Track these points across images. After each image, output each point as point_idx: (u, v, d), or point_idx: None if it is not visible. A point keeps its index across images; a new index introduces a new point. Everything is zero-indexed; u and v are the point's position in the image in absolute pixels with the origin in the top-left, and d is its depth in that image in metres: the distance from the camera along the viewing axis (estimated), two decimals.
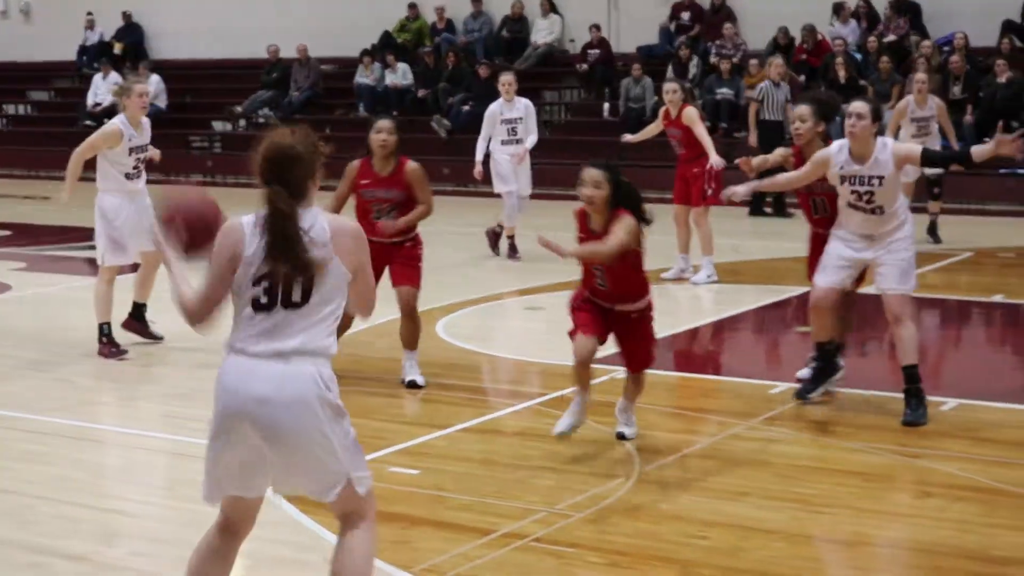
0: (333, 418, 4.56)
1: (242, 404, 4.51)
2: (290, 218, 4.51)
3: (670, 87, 13.35)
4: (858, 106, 8.03)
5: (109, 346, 10.11)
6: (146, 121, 10.18)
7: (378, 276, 8.92)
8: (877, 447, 7.61)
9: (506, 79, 14.95)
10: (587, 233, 7.27)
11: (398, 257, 9.03)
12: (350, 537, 4.71)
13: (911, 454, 7.49)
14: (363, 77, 25.54)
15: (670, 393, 9.30)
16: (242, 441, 4.56)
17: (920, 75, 15.81)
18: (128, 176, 10.10)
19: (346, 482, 4.59)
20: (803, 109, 8.62)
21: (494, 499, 6.76)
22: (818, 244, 8.72)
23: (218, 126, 27.54)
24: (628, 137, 14.70)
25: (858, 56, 21.90)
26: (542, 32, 25.41)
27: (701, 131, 13.11)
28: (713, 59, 22.86)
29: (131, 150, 10.03)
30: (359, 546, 4.70)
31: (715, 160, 12.97)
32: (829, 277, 8.24)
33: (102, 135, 10.01)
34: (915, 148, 8.41)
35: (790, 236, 9.15)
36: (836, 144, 8.18)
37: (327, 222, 4.59)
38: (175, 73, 27.48)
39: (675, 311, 12.06)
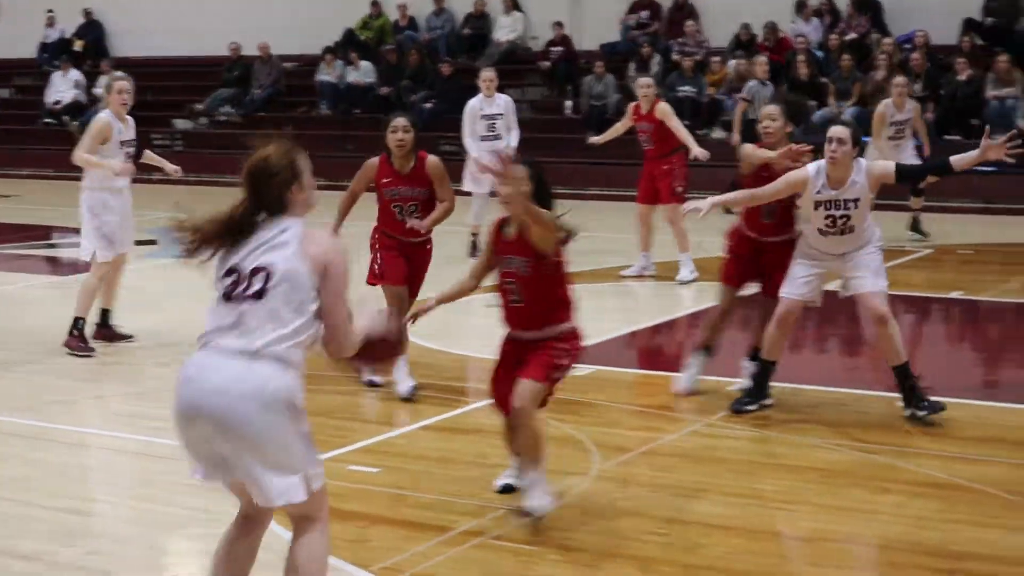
0: (292, 418, 4.51)
1: (196, 395, 4.47)
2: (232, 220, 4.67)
3: (645, 81, 13.41)
4: (839, 131, 7.85)
5: (78, 340, 10.06)
6: (130, 119, 10.35)
7: (403, 272, 8.82)
8: (836, 443, 7.64)
9: (487, 75, 15.06)
10: (500, 242, 6.49)
11: (418, 260, 8.93)
12: (304, 540, 4.68)
13: (870, 450, 7.52)
14: (325, 75, 25.50)
15: (629, 390, 9.34)
16: (200, 440, 4.52)
17: (900, 78, 15.70)
18: (116, 172, 10.13)
19: (299, 484, 4.54)
20: (772, 109, 8.56)
21: (453, 497, 6.75)
22: (744, 247, 8.64)
23: (179, 124, 27.40)
24: (594, 139, 14.70)
25: (820, 54, 22.00)
26: (504, 29, 25.42)
27: (677, 124, 13.12)
28: (675, 56, 22.91)
29: (121, 143, 10.18)
30: (313, 549, 4.68)
31: (698, 151, 12.97)
32: (798, 290, 8.14)
33: (94, 130, 10.13)
34: (889, 166, 8.28)
35: None
36: (813, 167, 7.96)
37: (300, 229, 4.65)
38: (136, 71, 26.91)
39: (635, 308, 12.07)
